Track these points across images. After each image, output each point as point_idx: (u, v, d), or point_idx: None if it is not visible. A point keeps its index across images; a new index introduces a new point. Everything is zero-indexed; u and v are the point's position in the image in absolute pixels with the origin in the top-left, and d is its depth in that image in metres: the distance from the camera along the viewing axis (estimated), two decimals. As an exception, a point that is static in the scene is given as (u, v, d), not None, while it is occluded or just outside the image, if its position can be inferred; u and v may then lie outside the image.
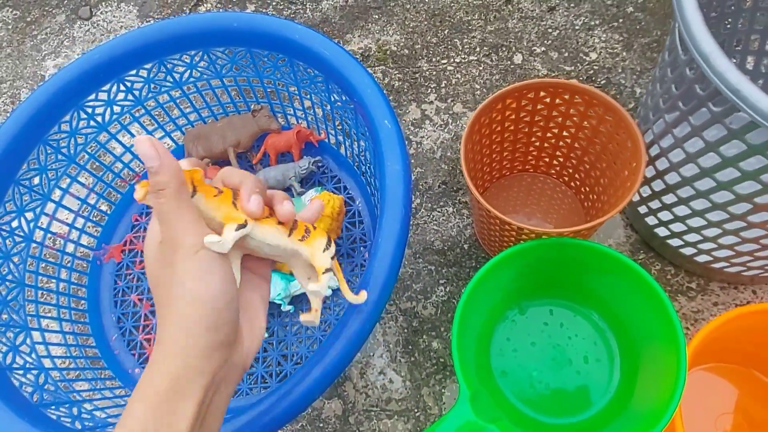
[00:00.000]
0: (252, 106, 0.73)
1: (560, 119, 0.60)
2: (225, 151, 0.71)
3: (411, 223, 0.69)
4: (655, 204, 0.56)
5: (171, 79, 0.67)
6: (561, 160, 0.66)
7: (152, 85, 0.67)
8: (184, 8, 0.95)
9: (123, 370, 0.65)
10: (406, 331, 0.63)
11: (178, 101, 0.72)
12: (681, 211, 0.52)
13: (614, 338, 0.57)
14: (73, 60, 0.63)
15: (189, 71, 0.67)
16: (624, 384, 0.55)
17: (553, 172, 0.68)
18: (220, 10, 0.93)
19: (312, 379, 0.42)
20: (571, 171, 0.66)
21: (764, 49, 0.61)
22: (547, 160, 0.67)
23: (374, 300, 0.44)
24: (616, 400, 0.55)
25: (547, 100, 0.57)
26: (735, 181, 0.43)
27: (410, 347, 0.62)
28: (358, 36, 0.86)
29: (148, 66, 0.65)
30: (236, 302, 0.29)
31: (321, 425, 0.60)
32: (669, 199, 0.53)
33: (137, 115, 0.70)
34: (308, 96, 0.67)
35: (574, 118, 0.58)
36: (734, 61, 0.64)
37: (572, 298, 0.59)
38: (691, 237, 0.55)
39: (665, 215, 0.55)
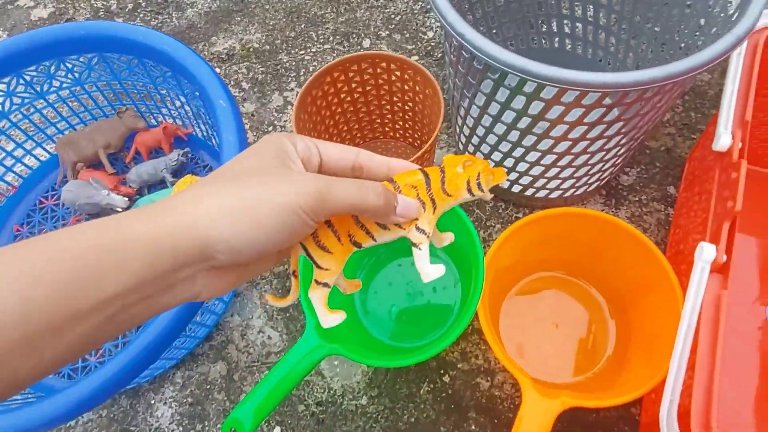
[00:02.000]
0: (117, 108, 0.77)
1: (387, 87, 0.68)
2: (96, 154, 0.76)
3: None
4: (470, 147, 0.66)
5: (32, 91, 0.71)
6: (401, 123, 0.75)
7: (14, 98, 0.71)
8: (53, 28, 0.98)
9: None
10: (280, 292, 0.70)
11: (44, 111, 0.75)
12: (485, 148, 0.62)
13: (456, 268, 0.66)
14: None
15: (48, 81, 0.71)
16: (463, 305, 0.64)
17: (398, 135, 0.77)
18: (89, 26, 0.96)
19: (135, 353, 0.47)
20: (411, 133, 0.75)
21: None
22: (390, 125, 0.76)
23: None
24: (458, 319, 0.64)
25: (370, 70, 0.66)
26: (500, 113, 0.53)
27: (286, 305, 0.69)
28: (223, 38, 0.93)
29: (6, 80, 0.68)
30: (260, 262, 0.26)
31: (208, 387, 0.65)
32: (475, 140, 0.62)
33: (4, 128, 0.73)
34: (176, 96, 0.73)
35: (398, 84, 0.67)
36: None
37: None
38: (500, 171, 0.64)
39: (478, 155, 0.65)
